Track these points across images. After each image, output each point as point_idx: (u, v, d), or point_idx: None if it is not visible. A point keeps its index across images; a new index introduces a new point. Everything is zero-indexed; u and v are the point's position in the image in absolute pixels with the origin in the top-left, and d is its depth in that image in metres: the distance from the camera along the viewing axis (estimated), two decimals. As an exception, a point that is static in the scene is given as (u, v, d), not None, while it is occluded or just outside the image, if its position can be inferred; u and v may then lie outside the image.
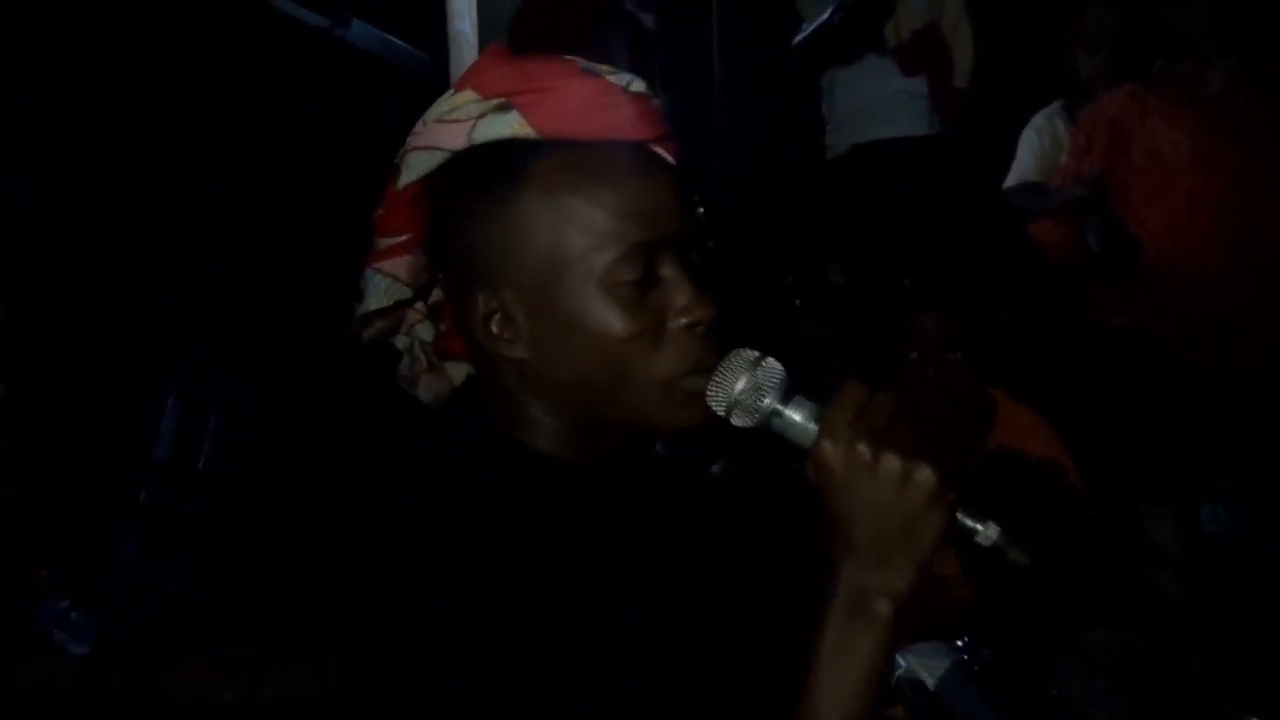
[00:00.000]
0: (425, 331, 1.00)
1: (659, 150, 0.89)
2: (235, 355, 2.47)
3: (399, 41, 2.93)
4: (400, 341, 1.01)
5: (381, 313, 0.97)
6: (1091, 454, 2.10)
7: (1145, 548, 2.23)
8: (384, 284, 0.95)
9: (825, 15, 3.06)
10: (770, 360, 0.85)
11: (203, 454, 2.38)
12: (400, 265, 0.95)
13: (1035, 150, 2.84)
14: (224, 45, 2.45)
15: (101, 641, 2.20)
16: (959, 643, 1.52)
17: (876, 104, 3.03)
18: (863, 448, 0.78)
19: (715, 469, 3.71)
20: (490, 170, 0.85)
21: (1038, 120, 2.91)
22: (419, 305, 0.98)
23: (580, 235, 0.83)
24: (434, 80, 3.41)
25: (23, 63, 2.22)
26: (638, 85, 0.89)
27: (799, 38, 3.19)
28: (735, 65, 4.51)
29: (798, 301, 4.41)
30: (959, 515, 0.81)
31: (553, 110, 0.85)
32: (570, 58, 0.91)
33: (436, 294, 0.98)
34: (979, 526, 0.82)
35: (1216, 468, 2.39)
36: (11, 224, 2.27)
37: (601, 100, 0.87)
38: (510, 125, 0.85)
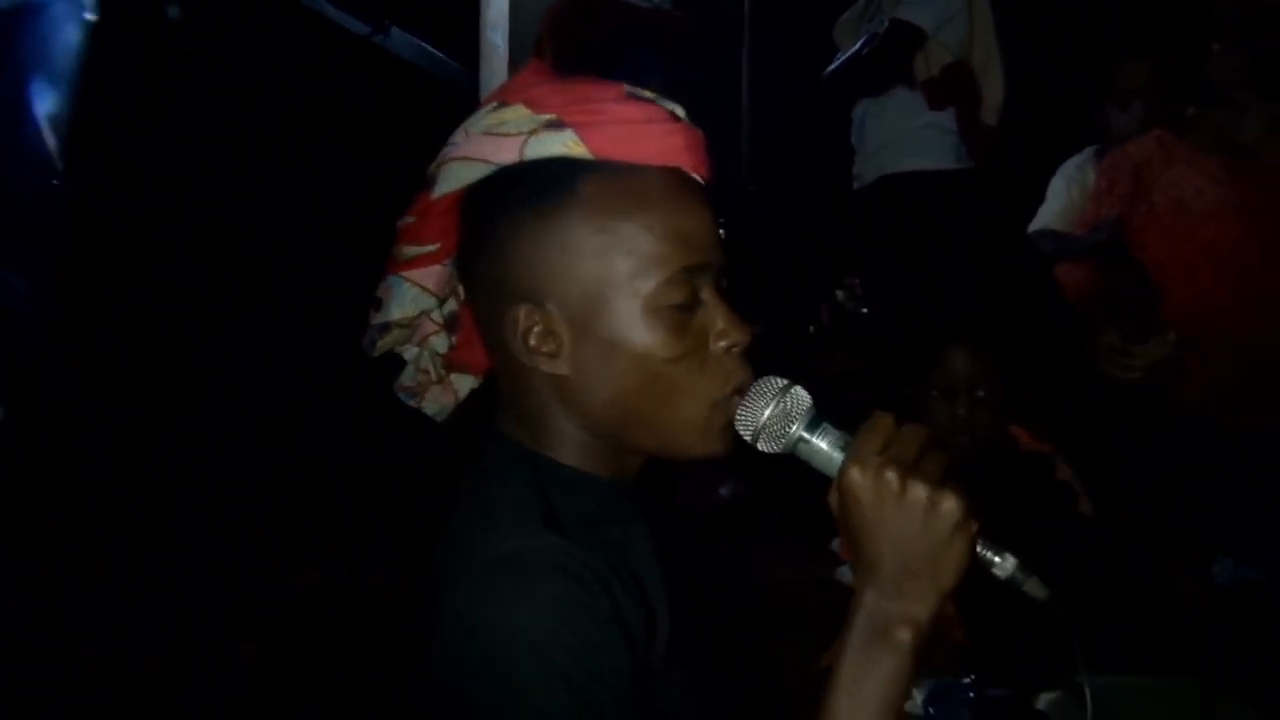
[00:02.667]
0: (440, 343, 1.00)
1: (697, 178, 0.90)
2: (270, 355, 2.48)
3: (436, 51, 2.95)
4: (409, 352, 1.01)
5: (401, 322, 0.97)
6: (1108, 498, 2.10)
7: (1159, 598, 2.22)
8: (411, 293, 0.95)
9: (856, 46, 3.08)
10: (798, 388, 0.86)
11: (231, 452, 2.39)
12: (429, 275, 0.95)
13: (1062, 200, 2.85)
14: (269, 50, 2.47)
15: (125, 634, 2.20)
16: (964, 680, 1.52)
17: (905, 136, 3.05)
18: (890, 476, 0.79)
19: (723, 491, 3.73)
20: (540, 186, 0.86)
21: (1068, 169, 2.92)
22: (435, 315, 0.98)
23: (628, 258, 0.84)
24: (467, 89, 3.45)
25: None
26: (681, 112, 0.91)
27: (831, 67, 3.21)
28: (762, 92, 4.55)
29: (812, 329, 4.41)
30: (978, 546, 0.82)
31: (606, 132, 0.86)
32: (615, 82, 0.91)
33: (451, 305, 0.99)
34: (997, 558, 0.83)
35: (1228, 521, 2.38)
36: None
37: (652, 126, 0.88)
38: (564, 144, 0.86)
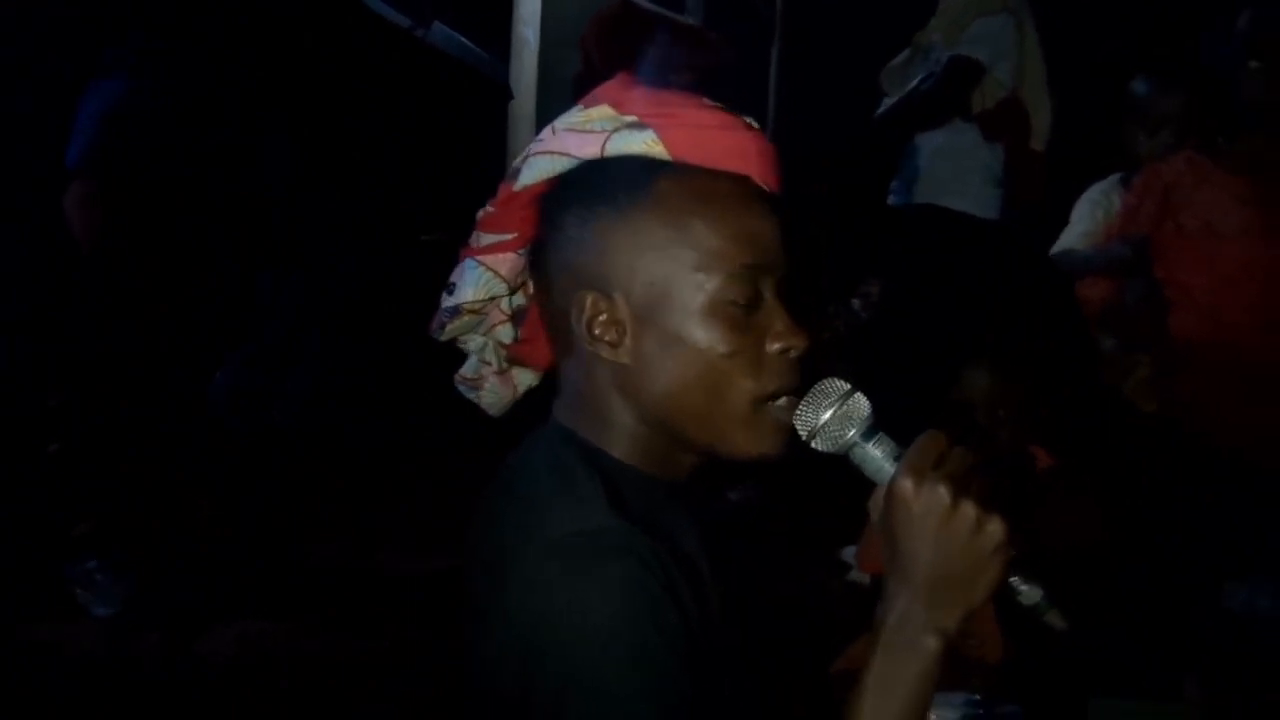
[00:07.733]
0: (505, 334, 1.02)
1: (766, 187, 0.93)
2: (293, 334, 2.50)
3: (475, 46, 2.97)
4: (474, 342, 1.03)
5: (471, 307, 0.99)
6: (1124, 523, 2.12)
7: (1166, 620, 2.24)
8: (484, 277, 0.98)
9: (914, 82, 3.12)
10: (859, 395, 0.88)
11: (248, 425, 2.41)
12: (502, 261, 0.98)
13: (1086, 224, 2.90)
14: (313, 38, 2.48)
15: (131, 605, 2.21)
16: (975, 696, 1.55)
17: (954, 173, 3.09)
18: (943, 491, 0.81)
19: (733, 496, 3.74)
20: (618, 181, 0.90)
21: (1093, 194, 2.95)
22: (504, 305, 1.01)
23: (694, 254, 0.88)
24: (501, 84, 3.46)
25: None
26: (755, 123, 0.95)
27: (882, 109, 3.25)
28: (790, 99, 4.58)
29: (827, 335, 4.42)
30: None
31: (684, 134, 0.90)
32: (695, 94, 0.96)
33: (520, 299, 1.01)
34: (1024, 587, 0.86)
35: (1240, 548, 2.39)
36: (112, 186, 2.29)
37: (727, 132, 0.92)
38: (644, 142, 0.89)
